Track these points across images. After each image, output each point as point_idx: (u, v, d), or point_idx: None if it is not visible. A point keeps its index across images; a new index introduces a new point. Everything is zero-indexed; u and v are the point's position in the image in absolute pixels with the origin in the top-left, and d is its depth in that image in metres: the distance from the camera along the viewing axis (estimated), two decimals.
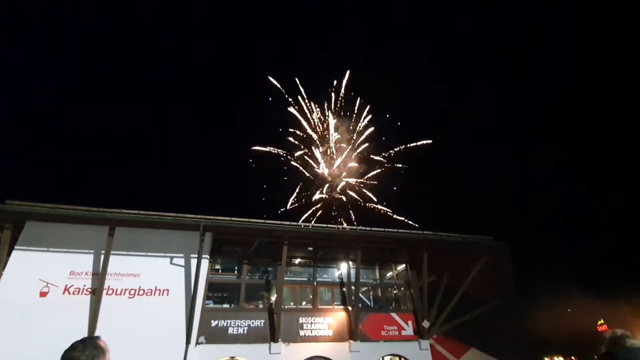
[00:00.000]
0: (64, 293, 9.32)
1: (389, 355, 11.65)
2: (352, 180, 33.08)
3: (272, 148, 32.52)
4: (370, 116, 33.12)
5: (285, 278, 11.37)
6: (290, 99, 32.34)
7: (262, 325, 10.59)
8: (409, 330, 12.06)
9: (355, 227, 11.86)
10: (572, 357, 32.05)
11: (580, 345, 30.01)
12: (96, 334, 1.74)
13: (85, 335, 8.06)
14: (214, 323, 10.18)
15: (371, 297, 13.74)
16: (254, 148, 32.07)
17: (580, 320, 29.36)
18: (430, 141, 33.02)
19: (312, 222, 30.84)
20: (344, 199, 32.98)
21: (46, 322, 8.64)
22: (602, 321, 30.35)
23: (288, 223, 11.24)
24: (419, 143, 32.81)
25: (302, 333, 10.90)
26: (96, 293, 9.25)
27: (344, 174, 33.06)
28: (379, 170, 33.08)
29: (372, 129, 32.93)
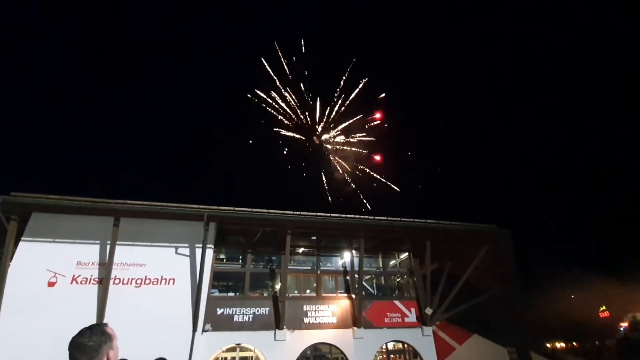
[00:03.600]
0: (71, 283, 9.47)
1: (392, 341, 11.81)
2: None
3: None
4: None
5: (289, 267, 11.46)
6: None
7: (267, 313, 10.74)
8: (412, 317, 12.19)
9: (358, 216, 11.86)
10: (574, 343, 32.35)
11: (582, 331, 30.28)
12: (104, 322, 1.76)
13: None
14: (219, 311, 10.34)
15: (374, 285, 13.86)
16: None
17: (583, 307, 29.55)
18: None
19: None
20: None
21: (55, 311, 8.80)
22: (604, 307, 30.53)
23: (291, 212, 11.24)
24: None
25: (306, 320, 11.05)
26: (103, 283, 9.39)
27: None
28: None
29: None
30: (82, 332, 1.61)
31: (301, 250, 13.05)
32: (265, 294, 11.50)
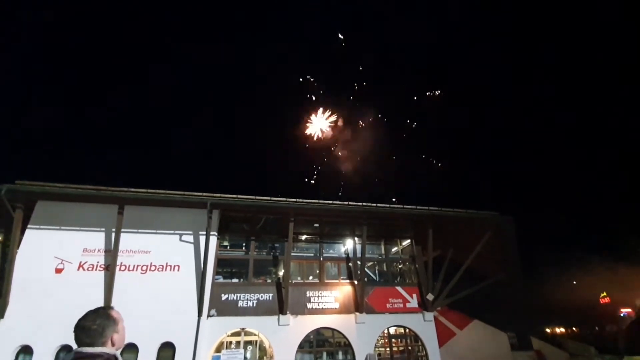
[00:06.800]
0: (78, 269, 9.63)
1: (394, 326, 11.99)
2: None
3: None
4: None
5: (292, 254, 11.57)
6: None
7: (270, 298, 10.90)
8: (413, 302, 12.34)
9: (360, 204, 11.88)
10: (574, 328, 32.74)
11: (583, 316, 30.62)
12: (110, 305, 1.76)
13: None
14: (224, 297, 10.51)
15: (377, 272, 13.98)
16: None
17: (584, 292, 29.79)
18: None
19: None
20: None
21: (63, 297, 8.98)
22: (604, 293, 30.75)
23: (294, 200, 11.28)
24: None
25: (309, 306, 11.22)
26: (109, 269, 9.53)
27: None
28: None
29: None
30: (87, 315, 1.62)
31: (304, 237, 13.14)
32: (269, 280, 11.66)
